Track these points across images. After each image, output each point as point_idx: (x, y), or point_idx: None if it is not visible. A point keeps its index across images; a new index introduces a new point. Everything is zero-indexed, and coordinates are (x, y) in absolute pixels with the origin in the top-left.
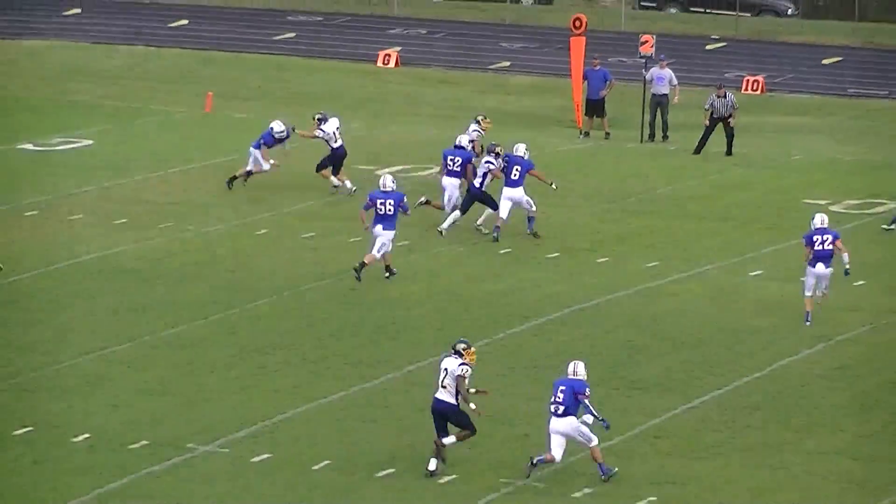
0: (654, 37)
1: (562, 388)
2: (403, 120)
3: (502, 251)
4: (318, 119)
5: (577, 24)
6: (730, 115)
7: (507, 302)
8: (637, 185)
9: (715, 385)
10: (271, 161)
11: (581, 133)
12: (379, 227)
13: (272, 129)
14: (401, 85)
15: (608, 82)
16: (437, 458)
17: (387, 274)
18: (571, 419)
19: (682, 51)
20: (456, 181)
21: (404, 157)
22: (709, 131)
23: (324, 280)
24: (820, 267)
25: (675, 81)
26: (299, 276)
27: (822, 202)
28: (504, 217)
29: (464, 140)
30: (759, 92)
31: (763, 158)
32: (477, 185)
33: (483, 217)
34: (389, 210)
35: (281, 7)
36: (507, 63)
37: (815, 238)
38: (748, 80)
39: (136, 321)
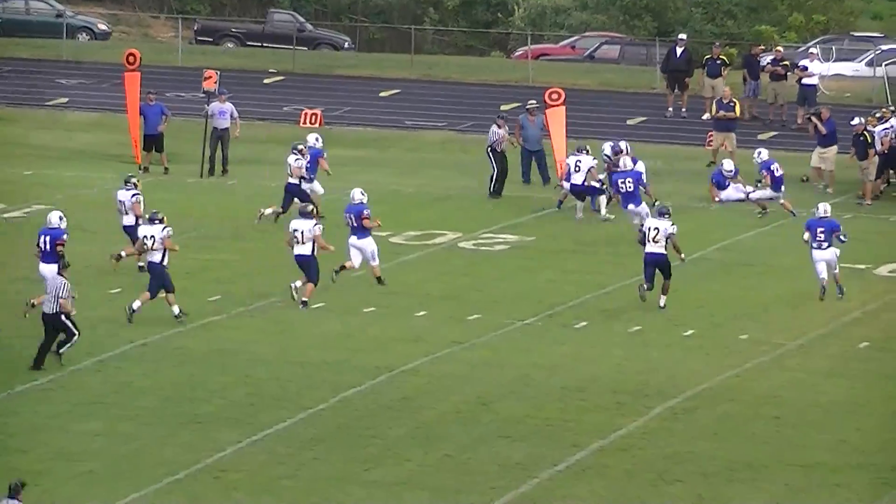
0: (218, 73)
1: (820, 228)
2: None
3: None
4: None
5: (131, 59)
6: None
7: None
8: (198, 219)
9: (279, 418)
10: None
11: (140, 168)
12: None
13: (312, 145)
14: None
15: (164, 117)
16: (643, 293)
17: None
18: (831, 250)
19: (241, 85)
20: None
21: None
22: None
23: None
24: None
25: (235, 115)
26: None
27: (384, 234)
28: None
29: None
30: (317, 125)
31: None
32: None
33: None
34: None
35: None
36: (65, 99)
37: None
38: (306, 114)
39: None
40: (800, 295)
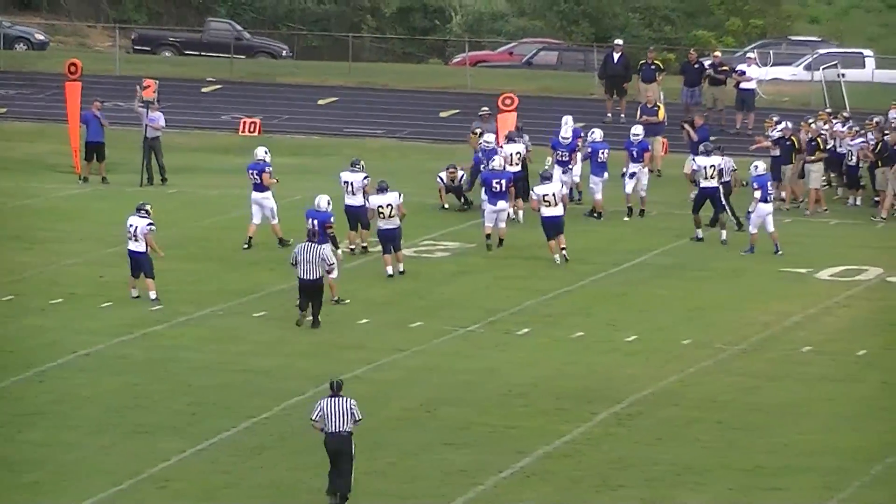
0: (157, 82)
1: (770, 182)
2: None
3: (4, 299)
4: None
5: (73, 69)
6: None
7: (10, 349)
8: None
9: (223, 427)
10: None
11: (80, 178)
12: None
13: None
14: None
15: (102, 126)
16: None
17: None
18: (770, 205)
19: (179, 94)
20: None
21: None
22: None
23: None
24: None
25: (161, 124)
26: None
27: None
28: None
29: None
30: (256, 133)
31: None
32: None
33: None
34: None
35: None
36: (4, 109)
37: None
38: (245, 122)
39: None
40: (741, 299)
